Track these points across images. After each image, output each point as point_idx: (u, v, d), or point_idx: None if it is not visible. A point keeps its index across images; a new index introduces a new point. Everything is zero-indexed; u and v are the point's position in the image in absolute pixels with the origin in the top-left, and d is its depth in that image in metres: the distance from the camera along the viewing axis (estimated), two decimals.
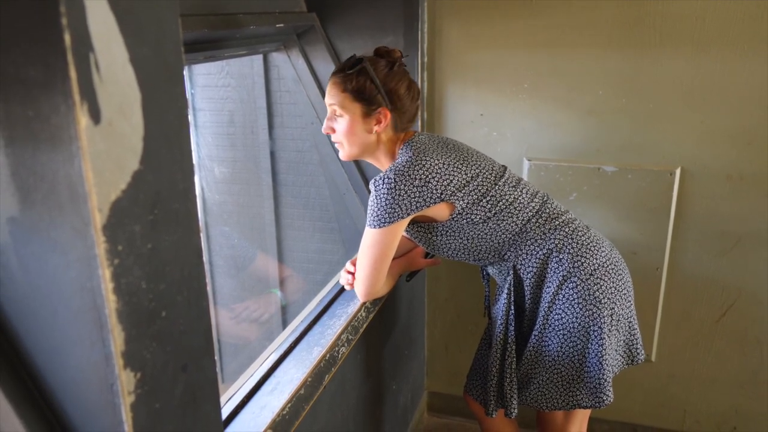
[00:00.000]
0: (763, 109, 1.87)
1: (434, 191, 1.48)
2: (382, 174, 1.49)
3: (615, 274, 1.56)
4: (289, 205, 2.43)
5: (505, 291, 1.59)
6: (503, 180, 1.58)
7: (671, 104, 1.95)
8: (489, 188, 1.54)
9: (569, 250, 1.53)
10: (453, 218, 1.53)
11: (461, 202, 1.51)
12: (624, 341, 1.62)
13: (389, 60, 1.53)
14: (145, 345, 0.69)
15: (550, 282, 1.54)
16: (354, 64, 1.52)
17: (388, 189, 1.46)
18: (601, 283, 1.53)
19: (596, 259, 1.54)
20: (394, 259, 1.68)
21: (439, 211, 1.52)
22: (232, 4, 1.52)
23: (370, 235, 1.52)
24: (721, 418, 2.22)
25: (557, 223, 1.56)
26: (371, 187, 1.50)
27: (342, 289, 1.76)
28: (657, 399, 2.27)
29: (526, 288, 1.57)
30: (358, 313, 1.63)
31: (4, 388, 0.71)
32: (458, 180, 1.51)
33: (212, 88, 2.37)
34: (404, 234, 1.61)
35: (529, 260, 1.55)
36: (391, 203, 1.46)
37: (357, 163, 2.09)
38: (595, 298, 1.52)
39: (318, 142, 2.13)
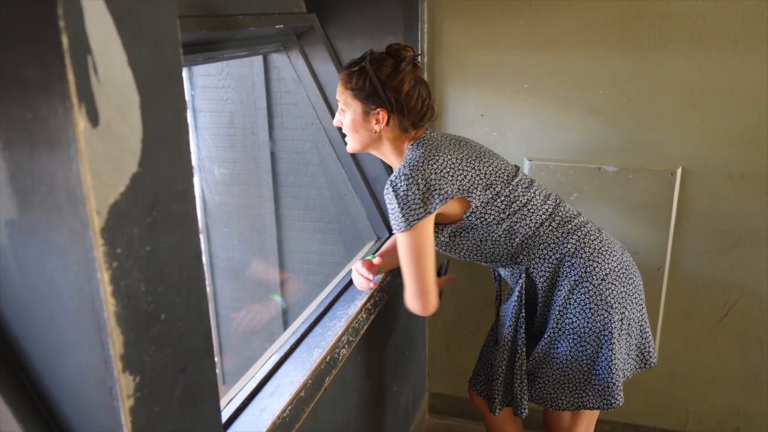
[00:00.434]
0: (764, 108, 1.86)
1: (451, 185, 1.47)
2: (394, 174, 1.47)
3: (626, 278, 1.56)
4: (289, 206, 2.42)
5: (516, 293, 1.58)
6: (516, 180, 1.56)
7: (672, 104, 1.94)
8: (503, 188, 1.53)
9: (582, 254, 1.52)
10: (467, 217, 1.51)
11: (476, 201, 1.50)
12: (636, 345, 1.62)
13: (396, 59, 1.51)
14: (144, 348, 0.69)
15: (561, 286, 1.53)
16: (357, 62, 1.51)
17: (407, 185, 1.44)
18: (613, 288, 1.52)
19: (608, 263, 1.54)
20: None
21: (455, 209, 1.50)
22: (231, 6, 1.52)
23: (402, 240, 1.48)
24: (723, 418, 2.22)
25: (570, 227, 1.55)
26: (387, 190, 1.47)
27: (342, 291, 1.75)
28: (659, 399, 2.27)
29: (539, 292, 1.57)
30: (359, 315, 1.62)
31: (3, 391, 0.70)
32: (471, 177, 1.50)
33: (212, 89, 2.37)
34: None
35: (542, 264, 1.54)
36: (413, 199, 1.44)
37: (358, 164, 2.08)
38: (606, 302, 1.51)
39: (318, 142, 2.12)
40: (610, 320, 1.51)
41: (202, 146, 2.44)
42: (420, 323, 2.37)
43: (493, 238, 1.54)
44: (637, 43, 1.91)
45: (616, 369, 1.54)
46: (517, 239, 1.54)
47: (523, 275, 1.57)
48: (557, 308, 1.54)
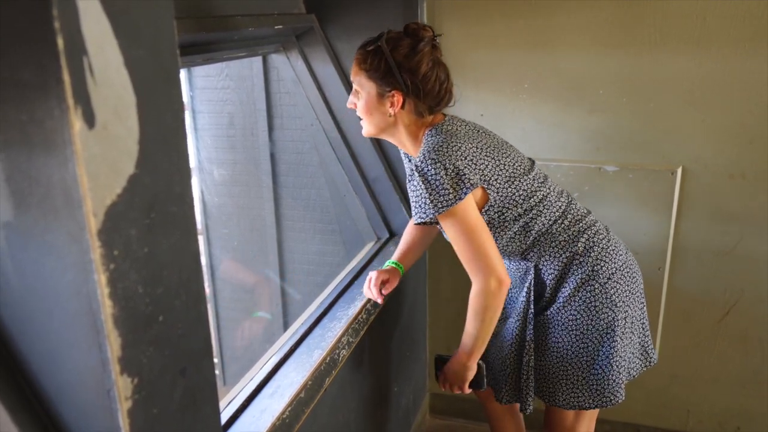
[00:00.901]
0: (765, 107, 1.86)
1: (475, 174, 1.41)
2: (419, 159, 1.41)
3: (630, 277, 1.57)
4: (289, 207, 2.42)
5: (525, 289, 1.57)
6: (533, 174, 1.53)
7: (672, 103, 1.94)
8: (521, 181, 1.49)
9: (591, 253, 1.52)
10: (485, 212, 1.47)
11: (495, 193, 1.45)
12: (639, 343, 1.62)
13: (414, 39, 1.43)
14: (142, 350, 0.69)
15: (567, 283, 1.53)
16: (372, 42, 1.45)
17: (435, 170, 1.38)
18: (618, 287, 1.53)
19: (615, 263, 1.54)
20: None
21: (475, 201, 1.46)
22: (230, 6, 1.52)
23: (448, 225, 1.41)
24: (724, 417, 2.21)
25: (581, 225, 1.55)
26: (412, 177, 1.41)
27: (342, 292, 1.75)
28: (660, 399, 2.26)
29: (546, 288, 1.56)
30: (359, 316, 1.62)
31: (0, 394, 0.70)
32: (492, 168, 1.45)
33: (211, 90, 2.37)
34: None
35: (553, 262, 1.54)
36: (442, 184, 1.38)
37: (358, 164, 2.08)
38: (611, 301, 1.52)
39: (318, 143, 2.12)
40: (614, 318, 1.52)
41: (202, 147, 2.44)
42: (421, 324, 2.37)
43: (509, 235, 1.52)
44: (638, 43, 1.91)
45: (618, 366, 1.54)
46: (531, 236, 1.52)
47: (532, 271, 1.56)
48: (560, 303, 1.54)
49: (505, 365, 1.63)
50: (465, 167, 1.40)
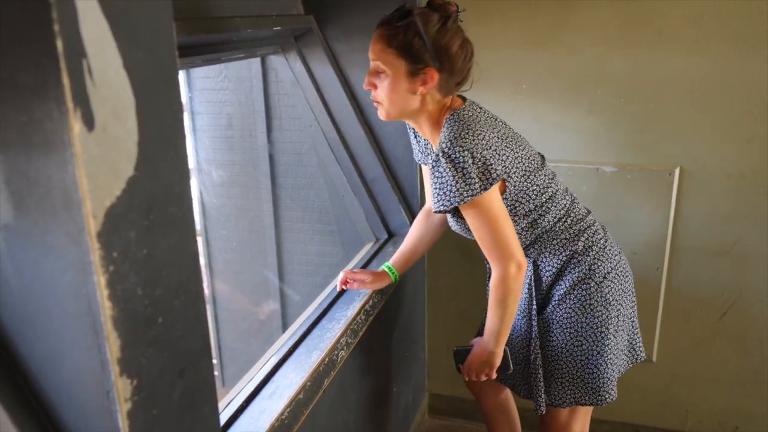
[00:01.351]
0: (763, 107, 1.86)
1: (498, 164, 1.38)
2: (445, 145, 1.36)
3: (623, 276, 1.58)
4: (288, 208, 2.42)
5: (526, 285, 1.57)
6: (545, 170, 1.53)
7: (670, 104, 1.94)
8: (535, 175, 1.48)
9: (590, 253, 1.53)
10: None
11: (512, 186, 1.44)
12: (627, 340, 1.64)
13: (443, 14, 1.37)
14: (141, 351, 0.69)
15: (564, 281, 1.54)
16: (402, 16, 1.37)
17: (462, 157, 1.34)
18: (612, 286, 1.54)
19: (610, 263, 1.55)
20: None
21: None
22: (229, 8, 1.52)
23: (471, 212, 1.39)
24: (722, 417, 2.22)
25: (582, 225, 1.55)
26: (437, 163, 1.36)
27: (341, 293, 1.75)
28: (658, 399, 2.26)
29: (542, 285, 1.57)
30: (358, 317, 1.62)
31: (0, 395, 0.70)
32: (512, 159, 1.43)
33: (210, 92, 2.37)
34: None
35: (552, 259, 1.54)
36: (470, 172, 1.34)
37: (356, 165, 2.08)
38: (606, 300, 1.53)
39: (316, 144, 2.12)
40: (607, 317, 1.53)
41: (201, 148, 2.44)
42: (420, 324, 2.37)
43: (516, 231, 1.50)
44: (636, 43, 1.91)
45: (611, 364, 1.56)
46: (536, 233, 1.53)
47: (530, 267, 1.56)
48: (554, 301, 1.55)
49: (516, 363, 1.64)
50: (491, 157, 1.37)
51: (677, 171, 1.98)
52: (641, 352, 1.68)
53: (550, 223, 1.52)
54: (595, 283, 1.52)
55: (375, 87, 1.43)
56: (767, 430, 2.17)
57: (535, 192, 1.48)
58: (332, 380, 1.48)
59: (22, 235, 0.65)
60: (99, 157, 0.61)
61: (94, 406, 0.69)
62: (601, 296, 1.53)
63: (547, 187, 1.51)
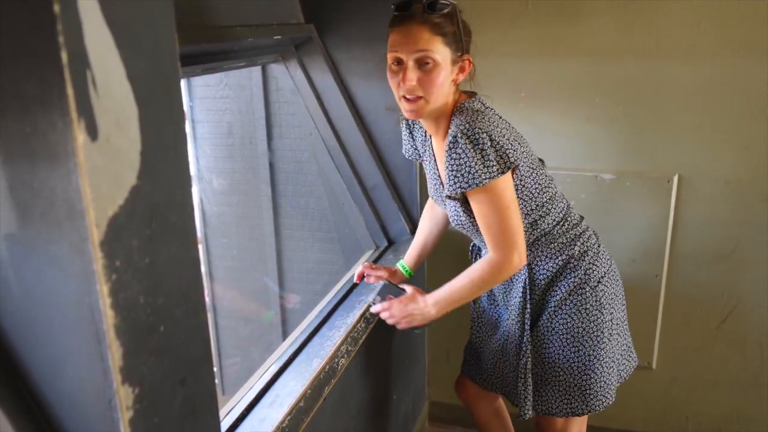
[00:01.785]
0: (760, 113, 1.87)
1: (512, 151, 1.37)
2: (464, 126, 1.33)
3: (615, 280, 1.61)
4: (288, 216, 2.43)
5: (520, 289, 1.58)
6: (545, 171, 1.54)
7: (668, 111, 1.95)
8: (538, 173, 1.49)
9: (585, 257, 1.55)
10: None
11: (518, 180, 1.43)
12: (624, 344, 1.65)
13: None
14: (143, 360, 0.69)
15: (559, 287, 1.55)
16: (443, 6, 1.33)
17: (481, 139, 1.32)
18: (606, 290, 1.56)
19: (604, 267, 1.57)
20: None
21: None
22: (230, 17, 1.53)
23: (483, 197, 1.36)
24: (723, 423, 2.21)
25: (578, 230, 1.57)
26: (454, 144, 1.33)
27: (341, 300, 1.75)
28: (659, 405, 2.26)
29: (536, 289, 1.58)
30: (358, 324, 1.62)
31: (2, 403, 0.71)
32: (519, 152, 1.41)
33: (211, 100, 2.38)
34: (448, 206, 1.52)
35: (548, 263, 1.55)
36: (488, 154, 1.33)
37: (356, 173, 2.09)
38: (600, 304, 1.55)
39: (316, 152, 2.13)
40: (602, 320, 1.55)
41: (201, 156, 2.45)
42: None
43: None
44: (633, 51, 1.92)
45: (609, 368, 1.58)
46: (535, 235, 1.53)
47: (525, 270, 1.57)
48: (551, 308, 1.56)
49: (510, 367, 1.64)
50: (505, 143, 1.37)
51: (676, 178, 1.99)
52: (635, 356, 1.71)
53: (550, 225, 1.53)
54: (590, 287, 1.54)
55: (419, 81, 1.35)
56: None
57: (538, 190, 1.48)
58: (333, 388, 1.48)
59: (26, 245, 0.65)
60: (102, 167, 0.61)
61: (96, 413, 0.69)
62: (596, 300, 1.54)
63: (548, 188, 1.52)
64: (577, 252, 1.54)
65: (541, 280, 1.56)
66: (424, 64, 1.34)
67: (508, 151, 1.35)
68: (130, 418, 0.68)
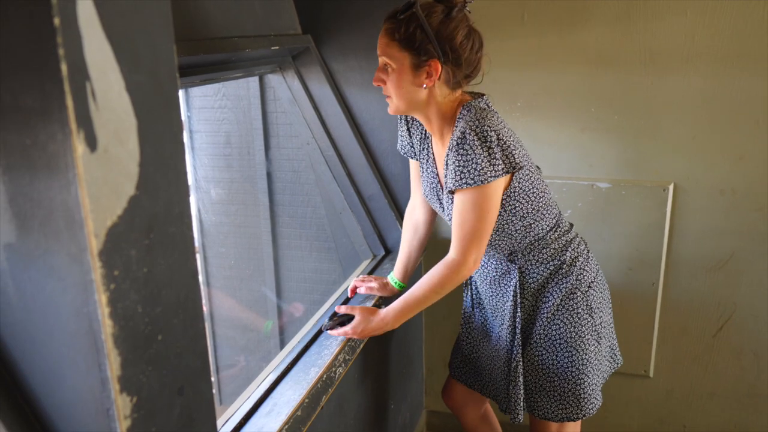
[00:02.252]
0: (754, 123, 1.89)
1: (517, 153, 1.39)
2: (473, 123, 1.35)
3: (602, 284, 1.64)
4: (285, 225, 2.43)
5: (510, 293, 1.59)
6: (542, 176, 1.56)
7: (663, 120, 1.97)
8: (536, 176, 1.50)
9: (576, 263, 1.57)
10: (503, 198, 1.45)
11: (516, 183, 1.44)
12: (609, 347, 1.68)
13: (447, 5, 1.38)
14: (141, 369, 0.70)
15: (551, 293, 1.56)
16: (405, 9, 1.37)
17: (489, 137, 1.34)
18: (595, 294, 1.59)
19: (593, 272, 1.60)
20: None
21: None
22: (227, 28, 1.54)
23: (473, 195, 1.38)
24: None
25: (568, 237, 1.59)
26: (462, 140, 1.35)
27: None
28: (656, 415, 2.26)
29: (526, 293, 1.59)
30: None
31: (1, 413, 0.71)
32: (522, 154, 1.43)
33: (209, 110, 2.39)
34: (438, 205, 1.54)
35: (539, 267, 1.57)
36: (493, 153, 1.35)
37: (353, 182, 2.10)
38: (590, 308, 1.58)
39: (314, 161, 2.14)
40: (592, 324, 1.58)
41: (199, 166, 2.46)
42: (417, 341, 2.37)
43: (509, 231, 1.52)
44: (628, 61, 1.94)
45: (597, 371, 1.61)
46: (528, 239, 1.54)
47: (516, 274, 1.57)
48: (544, 315, 1.57)
49: (501, 373, 1.65)
50: (511, 144, 1.39)
51: (671, 187, 2.00)
52: (619, 357, 1.73)
53: (543, 230, 1.54)
54: (582, 293, 1.56)
55: (384, 82, 1.43)
56: None
57: (535, 194, 1.49)
58: (330, 397, 1.48)
59: (25, 255, 0.66)
60: (101, 178, 0.62)
61: (94, 423, 0.69)
62: (587, 305, 1.57)
63: (544, 192, 1.53)
64: (568, 258, 1.56)
65: (531, 285, 1.58)
66: (385, 67, 1.42)
67: (514, 152, 1.38)
68: (127, 427, 0.69)
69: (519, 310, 1.58)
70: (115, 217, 0.64)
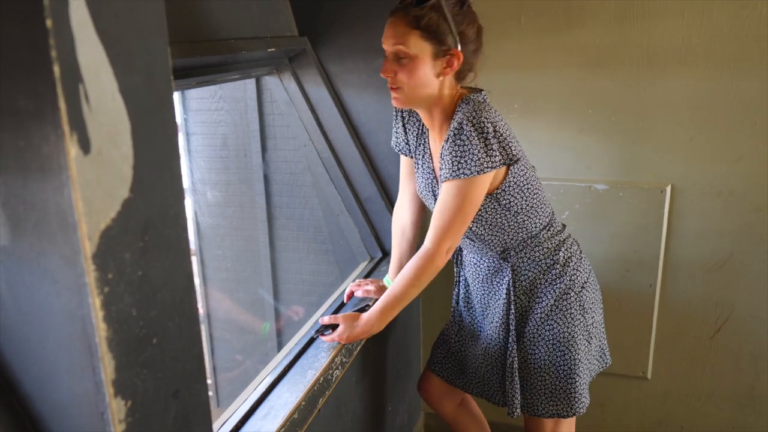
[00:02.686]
0: (752, 125, 1.89)
1: (514, 146, 1.41)
2: (471, 115, 1.36)
3: (595, 284, 1.65)
4: (283, 227, 2.43)
5: (504, 291, 1.59)
6: (536, 174, 1.57)
7: (661, 122, 1.97)
8: (532, 173, 1.51)
9: (569, 264, 1.57)
10: (497, 193, 1.46)
11: (511, 177, 1.44)
12: (599, 346, 1.68)
13: None
14: (135, 372, 0.69)
15: (546, 293, 1.56)
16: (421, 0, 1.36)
17: (486, 130, 1.35)
18: (588, 294, 1.60)
19: (586, 272, 1.61)
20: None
21: (495, 176, 1.45)
22: (224, 30, 1.54)
23: (456, 188, 1.38)
24: None
25: (561, 237, 1.59)
26: (460, 130, 1.36)
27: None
28: (654, 416, 2.26)
29: (519, 291, 1.59)
30: None
31: None
32: (518, 149, 1.45)
33: (205, 112, 2.39)
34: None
35: (531, 265, 1.57)
36: (491, 144, 1.36)
37: (350, 184, 2.09)
38: (583, 308, 1.58)
39: (311, 163, 2.14)
40: (585, 324, 1.59)
41: (195, 169, 2.45)
42: (415, 343, 2.37)
43: (503, 227, 1.52)
44: (626, 63, 1.94)
45: (586, 370, 1.62)
46: (521, 236, 1.54)
47: (509, 272, 1.58)
48: (537, 315, 1.57)
49: (495, 370, 1.66)
50: (508, 136, 1.40)
51: (669, 188, 2.00)
52: (608, 357, 1.74)
53: (537, 228, 1.55)
54: (575, 293, 1.57)
55: (395, 73, 1.40)
56: None
57: (530, 190, 1.50)
58: (327, 399, 1.47)
59: (18, 258, 0.65)
60: (94, 181, 0.62)
61: (89, 427, 0.69)
62: (580, 305, 1.57)
63: (539, 190, 1.54)
64: (561, 258, 1.56)
65: (524, 283, 1.58)
66: (400, 57, 1.39)
67: (511, 144, 1.40)
68: (122, 431, 0.68)
69: (512, 308, 1.59)
70: (108, 220, 0.64)
